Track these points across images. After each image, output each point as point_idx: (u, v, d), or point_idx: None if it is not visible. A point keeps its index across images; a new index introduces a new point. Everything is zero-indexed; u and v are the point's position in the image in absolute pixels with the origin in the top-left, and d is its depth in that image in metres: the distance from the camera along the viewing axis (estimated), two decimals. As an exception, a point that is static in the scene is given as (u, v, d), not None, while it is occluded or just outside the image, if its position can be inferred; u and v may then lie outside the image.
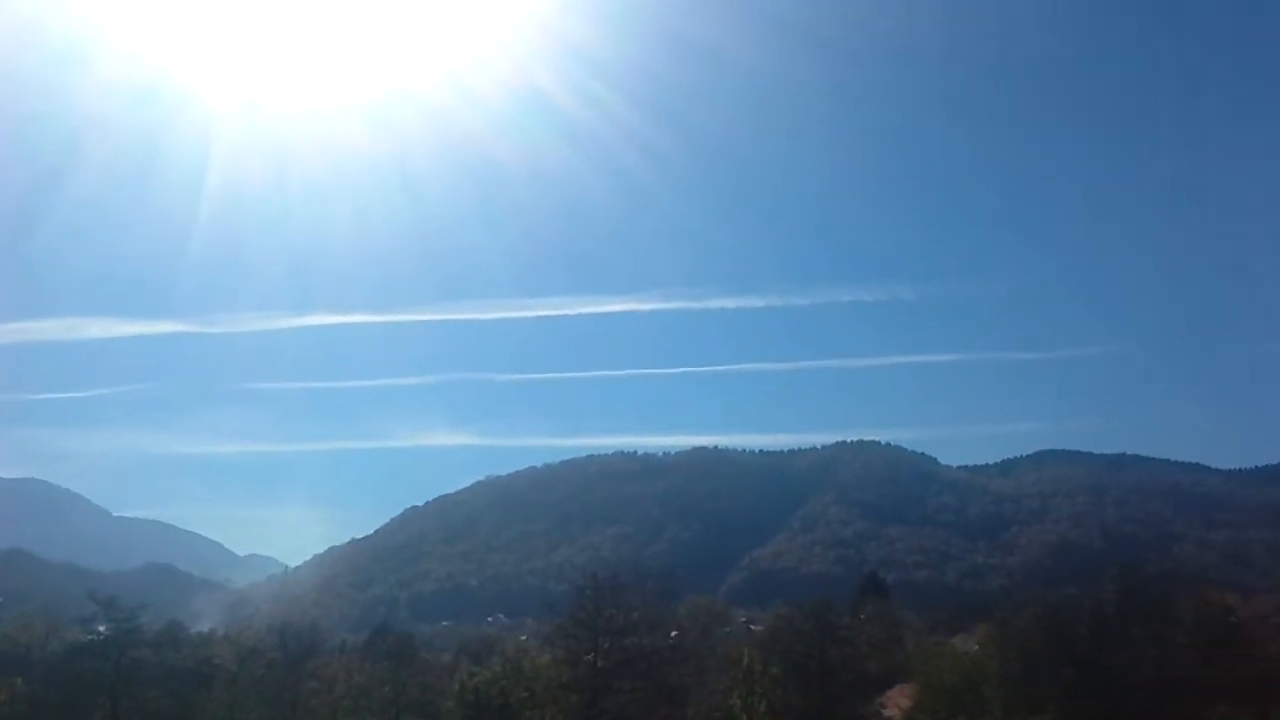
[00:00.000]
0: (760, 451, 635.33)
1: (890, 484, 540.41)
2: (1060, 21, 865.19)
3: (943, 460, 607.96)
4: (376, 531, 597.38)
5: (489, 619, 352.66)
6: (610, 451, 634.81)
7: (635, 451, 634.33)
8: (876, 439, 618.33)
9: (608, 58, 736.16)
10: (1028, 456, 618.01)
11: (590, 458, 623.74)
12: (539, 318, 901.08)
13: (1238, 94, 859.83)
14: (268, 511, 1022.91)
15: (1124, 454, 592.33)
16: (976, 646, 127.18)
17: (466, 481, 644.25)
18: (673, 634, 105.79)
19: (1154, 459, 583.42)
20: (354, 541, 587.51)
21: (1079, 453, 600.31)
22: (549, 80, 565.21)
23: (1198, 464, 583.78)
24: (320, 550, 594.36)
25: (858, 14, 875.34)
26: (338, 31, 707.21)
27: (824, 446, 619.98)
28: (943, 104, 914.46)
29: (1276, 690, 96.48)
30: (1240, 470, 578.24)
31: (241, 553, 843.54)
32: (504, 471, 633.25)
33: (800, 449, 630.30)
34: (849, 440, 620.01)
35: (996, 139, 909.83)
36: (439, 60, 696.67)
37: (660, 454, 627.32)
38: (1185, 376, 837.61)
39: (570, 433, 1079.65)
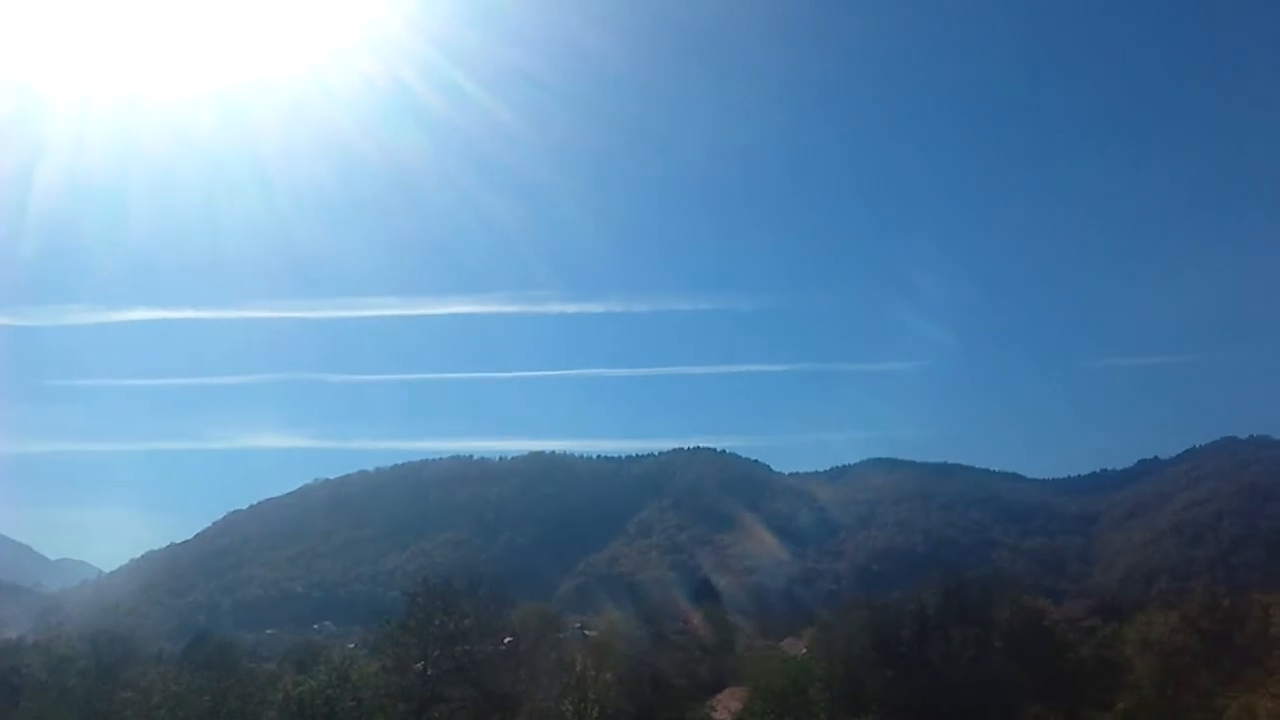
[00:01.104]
0: (598, 457, 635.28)
1: (724, 490, 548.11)
2: (902, 36, 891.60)
3: (775, 467, 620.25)
4: (197, 536, 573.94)
5: (315, 627, 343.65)
6: (445, 455, 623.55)
7: (471, 456, 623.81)
8: (712, 446, 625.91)
9: (473, 52, 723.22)
10: (857, 464, 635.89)
11: (425, 462, 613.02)
12: (375, 318, 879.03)
13: (1039, 99, 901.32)
14: (82, 514, 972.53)
15: (947, 463, 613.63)
16: (805, 650, 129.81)
17: (294, 485, 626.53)
18: (506, 640, 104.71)
19: (975, 468, 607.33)
20: (173, 546, 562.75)
21: (905, 461, 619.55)
22: (411, 74, 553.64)
23: (1015, 474, 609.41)
24: (137, 555, 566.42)
25: (722, 15, 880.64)
26: (186, 22, 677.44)
27: (661, 453, 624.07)
28: (778, 113, 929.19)
29: (1085, 690, 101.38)
30: (1054, 480, 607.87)
31: (53, 556, 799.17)
32: (334, 475, 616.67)
33: (637, 455, 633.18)
34: (685, 447, 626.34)
35: (827, 152, 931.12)
36: (296, 51, 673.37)
37: (496, 458, 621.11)
38: (1005, 390, 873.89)
39: (404, 436, 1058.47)
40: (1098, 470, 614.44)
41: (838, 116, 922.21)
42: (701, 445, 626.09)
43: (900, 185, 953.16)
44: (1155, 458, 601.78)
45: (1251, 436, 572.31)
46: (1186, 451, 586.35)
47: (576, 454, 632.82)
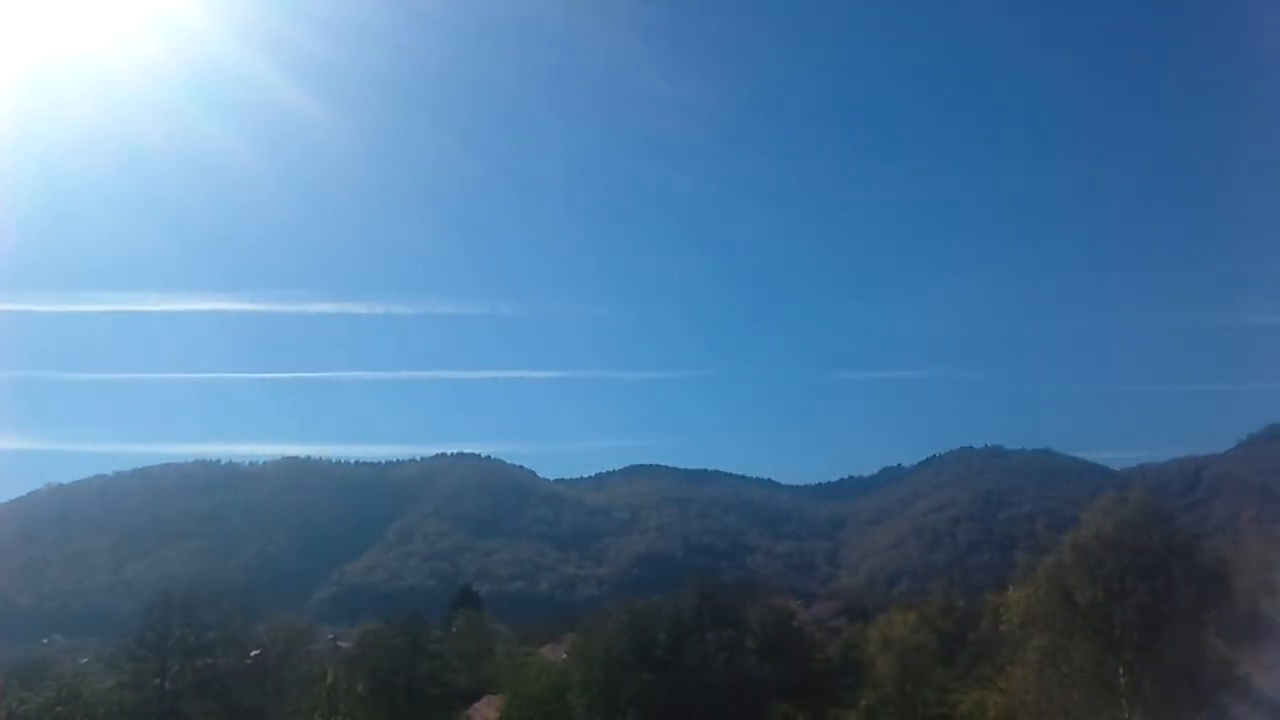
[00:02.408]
0: (355, 462, 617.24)
1: (488, 496, 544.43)
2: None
3: (540, 473, 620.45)
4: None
5: (44, 640, 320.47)
6: (189, 459, 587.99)
7: (218, 460, 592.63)
8: (476, 452, 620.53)
9: (278, 39, 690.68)
10: (620, 470, 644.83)
11: (166, 466, 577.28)
12: (115, 312, 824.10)
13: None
14: None
15: (706, 470, 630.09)
16: (564, 655, 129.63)
17: (22, 490, 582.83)
18: (253, 654, 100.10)
19: (732, 475, 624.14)
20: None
21: (666, 467, 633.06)
22: (203, 59, 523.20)
23: (770, 480, 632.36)
24: None
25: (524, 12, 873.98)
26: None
27: (423, 458, 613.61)
28: (555, 119, 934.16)
29: (831, 689, 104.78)
30: (805, 486, 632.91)
31: None
32: (67, 480, 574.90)
33: (398, 460, 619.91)
34: (448, 453, 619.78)
35: (598, 160, 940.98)
36: (81, 36, 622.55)
37: (246, 463, 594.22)
38: (761, 399, 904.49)
39: (145, 439, 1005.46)
40: (846, 477, 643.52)
41: (605, 124, 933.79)
42: (465, 451, 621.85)
43: (658, 195, 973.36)
44: (899, 465, 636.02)
45: (986, 446, 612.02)
46: (927, 460, 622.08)
47: (333, 459, 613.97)
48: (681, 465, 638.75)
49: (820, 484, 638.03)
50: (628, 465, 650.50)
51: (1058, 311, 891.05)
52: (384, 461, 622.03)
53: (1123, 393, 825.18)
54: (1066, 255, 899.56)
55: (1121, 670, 67.99)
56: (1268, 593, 76.51)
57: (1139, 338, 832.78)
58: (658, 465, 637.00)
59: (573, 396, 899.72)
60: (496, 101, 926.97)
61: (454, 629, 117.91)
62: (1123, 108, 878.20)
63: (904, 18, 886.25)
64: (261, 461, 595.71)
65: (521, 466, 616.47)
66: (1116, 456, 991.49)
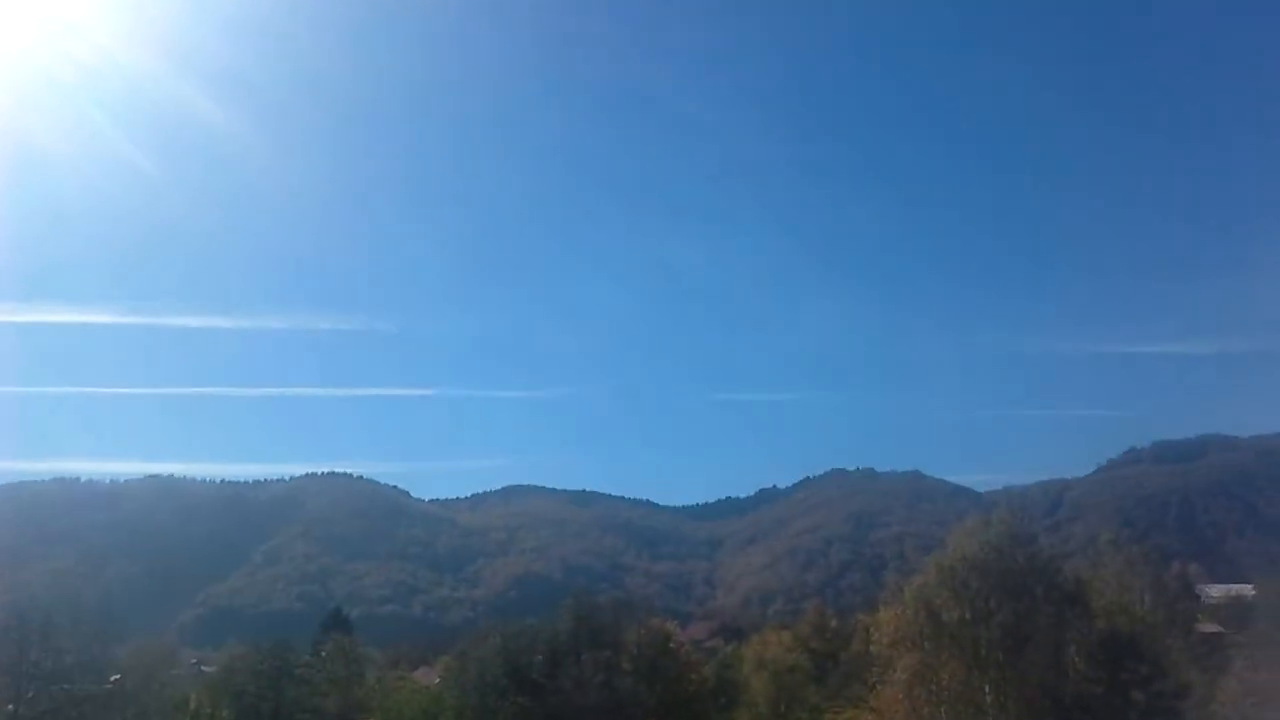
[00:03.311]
0: (222, 481, 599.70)
1: (359, 517, 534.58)
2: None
3: (414, 494, 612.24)
4: None
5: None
6: (47, 477, 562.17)
7: (78, 478, 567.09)
8: (348, 471, 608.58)
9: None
10: (497, 491, 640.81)
11: (22, 484, 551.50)
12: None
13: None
14: None
15: (585, 490, 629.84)
16: (438, 679, 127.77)
17: None
18: (113, 679, 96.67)
19: (611, 495, 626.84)
20: None
21: (544, 488, 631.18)
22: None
23: (648, 501, 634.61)
24: None
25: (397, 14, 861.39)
26: None
27: (292, 478, 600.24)
28: (436, 132, 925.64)
29: (706, 709, 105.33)
30: (684, 507, 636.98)
31: None
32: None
33: (266, 480, 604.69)
34: (318, 472, 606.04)
35: (479, 171, 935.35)
36: None
37: (107, 481, 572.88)
38: (641, 421, 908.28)
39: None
40: (724, 497, 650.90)
41: (488, 137, 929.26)
42: (336, 470, 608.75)
43: (537, 211, 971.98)
44: (774, 486, 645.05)
45: (858, 468, 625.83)
46: (802, 481, 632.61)
47: (198, 477, 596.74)
48: (560, 486, 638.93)
49: (698, 505, 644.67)
50: (505, 485, 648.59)
51: (928, 337, 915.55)
52: (251, 481, 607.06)
53: (989, 417, 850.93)
54: (937, 282, 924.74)
55: (987, 688, 69.79)
56: (1124, 612, 79.47)
57: (1005, 364, 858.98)
58: (535, 486, 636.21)
59: (448, 415, 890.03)
60: (378, 114, 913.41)
61: (323, 653, 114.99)
62: (980, 138, 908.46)
63: (765, 49, 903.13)
64: (123, 480, 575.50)
65: (395, 486, 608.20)
66: (982, 479, 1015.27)
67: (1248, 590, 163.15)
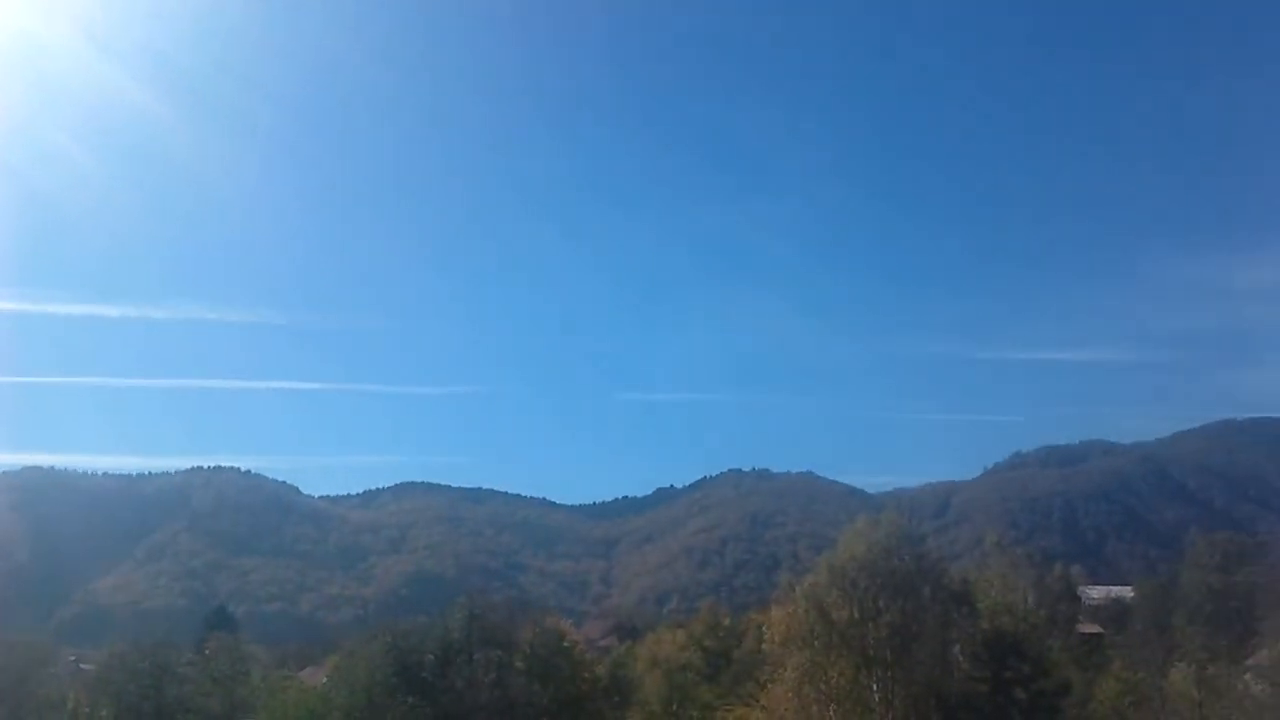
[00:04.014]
0: (104, 474, 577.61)
1: (246, 513, 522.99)
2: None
3: (304, 490, 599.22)
4: None
5: None
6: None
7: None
8: (235, 465, 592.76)
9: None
10: (389, 488, 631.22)
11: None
12: None
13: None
14: None
15: (480, 488, 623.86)
16: (325, 679, 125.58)
17: None
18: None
19: (507, 493, 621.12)
20: None
21: (439, 485, 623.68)
22: None
23: (545, 499, 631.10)
24: None
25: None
26: None
27: (177, 471, 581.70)
28: (334, 126, 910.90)
29: (600, 708, 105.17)
30: (581, 506, 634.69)
31: None
32: None
33: (150, 473, 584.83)
34: (205, 466, 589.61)
35: (374, 165, 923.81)
36: None
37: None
38: (538, 418, 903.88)
39: None
40: (620, 496, 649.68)
41: (391, 132, 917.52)
42: (224, 464, 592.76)
43: (432, 205, 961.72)
44: (671, 486, 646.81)
45: (753, 469, 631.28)
46: (698, 481, 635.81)
47: (79, 469, 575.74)
48: (454, 483, 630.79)
49: (595, 503, 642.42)
50: (398, 482, 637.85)
51: (823, 340, 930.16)
52: (134, 474, 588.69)
53: (881, 420, 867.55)
54: (833, 286, 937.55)
55: (875, 686, 70.82)
56: (1008, 612, 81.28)
57: (897, 368, 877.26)
58: (430, 483, 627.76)
59: (340, 410, 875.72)
60: (280, 106, 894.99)
61: (207, 652, 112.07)
62: (876, 144, 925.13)
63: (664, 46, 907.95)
64: (1, 471, 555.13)
65: (284, 482, 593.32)
66: (874, 481, 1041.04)
67: (1127, 592, 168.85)
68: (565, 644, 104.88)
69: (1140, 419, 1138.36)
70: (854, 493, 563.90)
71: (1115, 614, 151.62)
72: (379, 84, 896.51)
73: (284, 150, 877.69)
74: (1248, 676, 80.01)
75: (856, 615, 70.86)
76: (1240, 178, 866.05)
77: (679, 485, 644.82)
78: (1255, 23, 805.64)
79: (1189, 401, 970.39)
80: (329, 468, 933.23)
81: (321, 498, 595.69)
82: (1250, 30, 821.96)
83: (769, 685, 75.57)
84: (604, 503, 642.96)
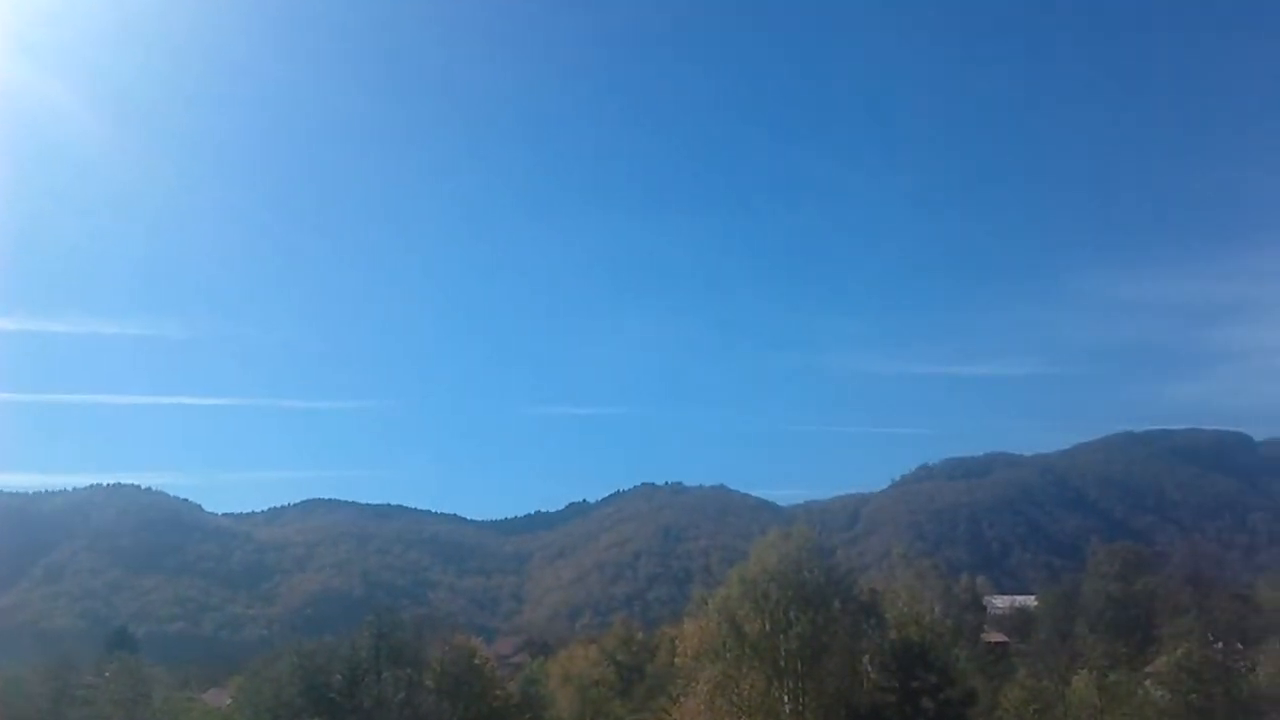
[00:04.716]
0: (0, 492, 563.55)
1: (147, 531, 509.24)
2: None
3: (207, 507, 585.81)
4: None
5: None
6: None
7: None
8: (135, 483, 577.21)
9: None
10: (295, 504, 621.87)
11: None
12: None
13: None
14: None
15: (389, 504, 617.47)
16: (229, 701, 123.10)
17: None
18: None
19: (416, 509, 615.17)
20: None
21: (346, 502, 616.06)
22: None
23: (455, 515, 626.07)
24: None
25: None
26: None
27: (75, 489, 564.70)
28: (239, 133, 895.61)
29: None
30: (492, 521, 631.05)
31: None
32: None
33: (46, 491, 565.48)
34: (103, 483, 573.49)
35: (280, 172, 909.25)
36: None
37: None
38: (448, 433, 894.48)
39: None
40: (533, 512, 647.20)
41: (293, 140, 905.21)
42: (123, 482, 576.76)
43: (347, 217, 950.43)
44: (584, 501, 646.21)
45: (667, 483, 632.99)
46: (611, 495, 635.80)
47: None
48: (362, 500, 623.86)
49: (507, 519, 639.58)
50: (304, 499, 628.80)
51: (735, 354, 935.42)
52: (31, 492, 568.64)
53: (792, 433, 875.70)
54: (744, 300, 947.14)
55: (785, 698, 71.29)
56: (915, 622, 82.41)
57: (808, 382, 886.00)
58: (336, 500, 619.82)
59: (244, 426, 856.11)
60: (178, 109, 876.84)
61: (107, 673, 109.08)
62: (781, 158, 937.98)
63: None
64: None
65: (186, 499, 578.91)
66: (785, 493, 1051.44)
67: (1030, 601, 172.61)
68: (476, 661, 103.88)
69: (1042, 431, 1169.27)
70: (766, 505, 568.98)
71: (1019, 623, 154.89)
72: (291, 91, 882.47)
73: (193, 157, 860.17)
74: (1147, 683, 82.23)
75: (768, 627, 71.32)
76: (1147, 196, 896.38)
77: (592, 500, 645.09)
78: (1164, 44, 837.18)
79: (1089, 414, 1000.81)
80: (233, 485, 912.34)
81: (225, 515, 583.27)
82: (1160, 50, 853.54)
83: (681, 699, 75.69)
84: (516, 518, 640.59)
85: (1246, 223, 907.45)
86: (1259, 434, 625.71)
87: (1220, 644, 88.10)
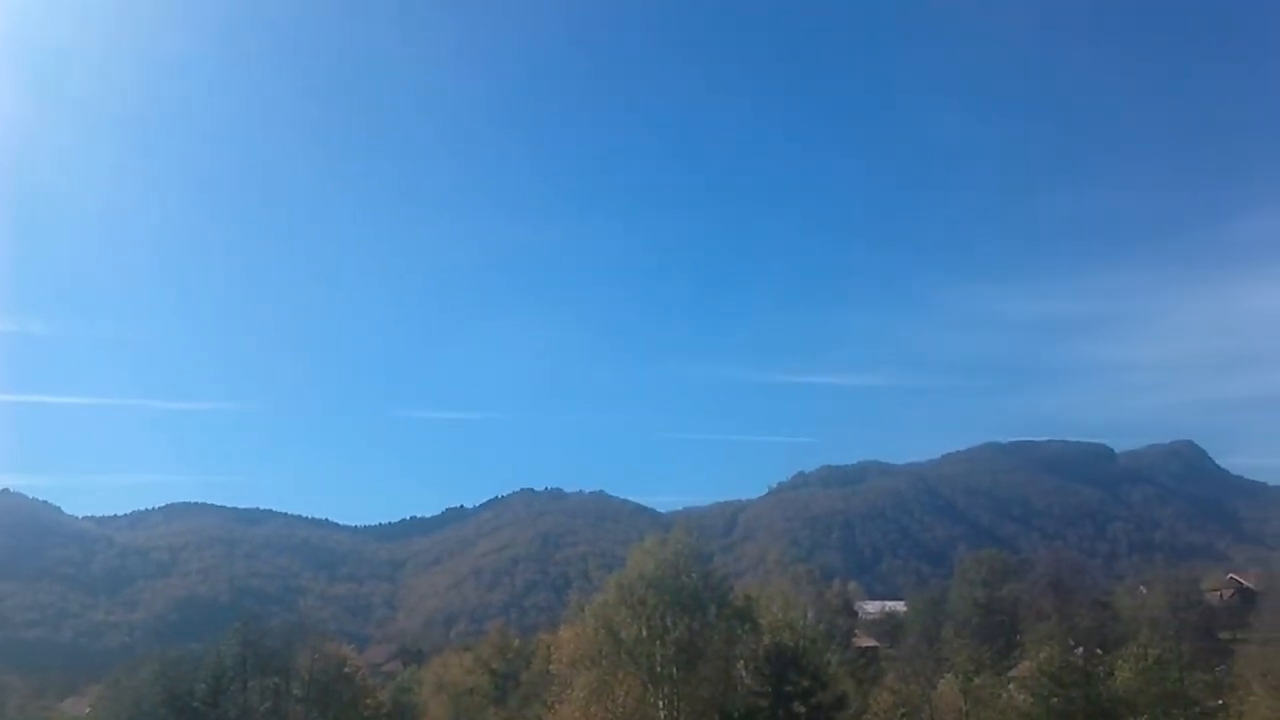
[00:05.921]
0: None
1: (5, 534, 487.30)
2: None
3: (68, 510, 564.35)
4: None
5: None
6: None
7: None
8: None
9: None
10: (159, 508, 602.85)
11: None
12: None
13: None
14: None
15: (258, 509, 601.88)
16: (88, 709, 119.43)
17: None
18: None
19: (287, 514, 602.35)
20: None
21: (212, 506, 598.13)
22: None
23: (328, 520, 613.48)
24: None
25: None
26: None
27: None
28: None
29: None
30: (366, 527, 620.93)
31: None
32: None
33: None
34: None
35: (149, 172, 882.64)
36: None
37: None
38: (320, 437, 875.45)
39: None
40: (408, 517, 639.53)
41: (164, 138, 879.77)
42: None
43: (216, 213, 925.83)
44: (462, 506, 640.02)
45: (546, 489, 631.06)
46: (490, 501, 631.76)
47: None
48: (229, 504, 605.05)
49: (380, 524, 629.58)
50: (168, 503, 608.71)
51: (614, 361, 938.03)
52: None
53: (671, 440, 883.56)
54: (624, 307, 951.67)
55: (661, 703, 71.47)
56: (789, 628, 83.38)
57: (686, 389, 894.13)
58: (202, 503, 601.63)
59: (107, 426, 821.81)
60: (41, 101, 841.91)
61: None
62: (661, 163, 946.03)
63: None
64: None
65: (45, 501, 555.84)
66: (664, 500, 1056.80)
67: (900, 607, 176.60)
68: (346, 669, 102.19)
69: (913, 441, 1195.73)
70: (644, 511, 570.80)
71: (890, 628, 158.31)
72: (153, 90, 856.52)
73: (55, 152, 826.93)
74: (1011, 686, 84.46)
75: (644, 633, 71.42)
76: (1016, 210, 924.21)
77: (470, 505, 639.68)
78: (1030, 61, 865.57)
79: (958, 425, 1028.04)
80: (95, 487, 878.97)
81: (86, 518, 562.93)
82: (1025, 68, 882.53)
83: (556, 706, 75.33)
84: (390, 524, 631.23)
85: (1106, 242, 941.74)
86: (1119, 446, 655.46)
87: (1081, 649, 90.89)
